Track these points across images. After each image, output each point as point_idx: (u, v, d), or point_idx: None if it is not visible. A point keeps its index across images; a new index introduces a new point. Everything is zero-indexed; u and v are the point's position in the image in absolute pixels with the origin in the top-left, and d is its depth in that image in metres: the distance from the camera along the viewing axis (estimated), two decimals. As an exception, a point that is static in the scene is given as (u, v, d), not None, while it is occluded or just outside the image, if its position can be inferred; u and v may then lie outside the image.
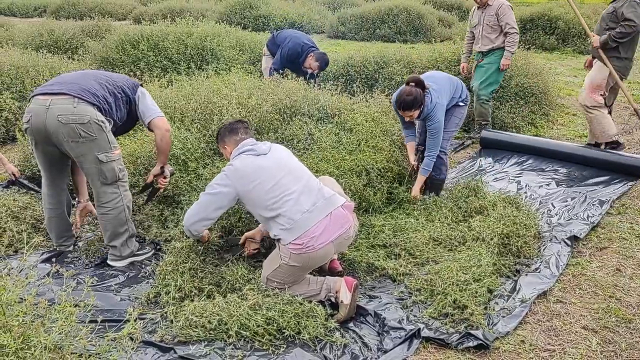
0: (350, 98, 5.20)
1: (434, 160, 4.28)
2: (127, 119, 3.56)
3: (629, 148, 5.86)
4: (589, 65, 5.71)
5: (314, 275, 3.14)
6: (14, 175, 4.57)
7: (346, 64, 7.41)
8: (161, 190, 3.83)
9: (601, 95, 5.44)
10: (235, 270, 3.16)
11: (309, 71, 6.21)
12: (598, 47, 5.32)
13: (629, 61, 5.38)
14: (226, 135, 3.24)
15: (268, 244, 3.44)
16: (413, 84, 4.14)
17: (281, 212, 2.90)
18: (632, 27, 5.10)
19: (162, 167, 3.71)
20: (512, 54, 5.97)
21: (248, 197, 2.98)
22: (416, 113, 4.14)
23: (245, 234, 3.44)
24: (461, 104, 4.40)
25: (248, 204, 3.03)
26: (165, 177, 3.75)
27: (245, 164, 3.00)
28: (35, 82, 6.13)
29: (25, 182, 4.60)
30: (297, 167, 3.11)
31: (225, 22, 11.31)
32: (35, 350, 1.99)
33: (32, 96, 3.31)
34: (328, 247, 2.92)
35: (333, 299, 3.00)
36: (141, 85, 3.63)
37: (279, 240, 2.95)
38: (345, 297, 2.92)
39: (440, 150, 4.31)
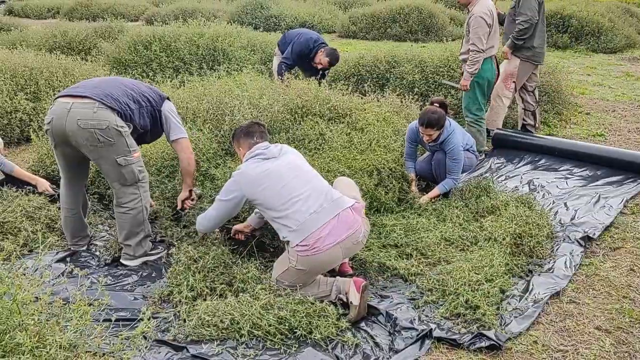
0: (362, 98, 5.20)
1: (457, 182, 4.39)
2: (153, 129, 3.57)
3: (643, 147, 5.80)
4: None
5: (325, 277, 3.15)
6: (53, 189, 4.20)
7: (357, 63, 7.40)
8: (187, 210, 3.77)
9: (513, 82, 5.66)
10: (247, 270, 3.17)
11: (319, 67, 6.21)
12: (509, 52, 5.62)
13: (540, 48, 5.57)
14: (242, 137, 3.30)
15: (259, 235, 3.51)
16: (437, 104, 4.33)
17: (289, 213, 2.94)
18: (526, 22, 5.29)
19: (190, 191, 3.72)
20: (470, 74, 5.13)
21: (257, 200, 3.05)
22: (436, 134, 4.25)
23: (235, 226, 3.48)
24: (468, 150, 4.57)
25: (259, 206, 3.11)
26: (192, 200, 3.73)
27: (253, 168, 3.08)
28: (49, 84, 6.16)
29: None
30: (307, 170, 3.15)
31: (236, 22, 11.33)
32: (50, 349, 2.01)
33: (56, 98, 3.35)
34: (335, 249, 2.93)
35: (344, 300, 3.01)
36: (168, 98, 3.63)
37: (288, 242, 2.98)
38: (354, 298, 2.92)
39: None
